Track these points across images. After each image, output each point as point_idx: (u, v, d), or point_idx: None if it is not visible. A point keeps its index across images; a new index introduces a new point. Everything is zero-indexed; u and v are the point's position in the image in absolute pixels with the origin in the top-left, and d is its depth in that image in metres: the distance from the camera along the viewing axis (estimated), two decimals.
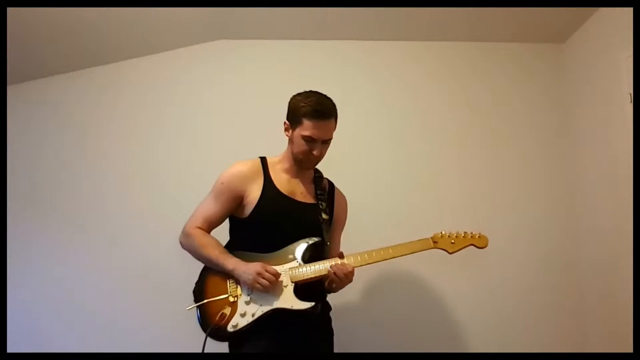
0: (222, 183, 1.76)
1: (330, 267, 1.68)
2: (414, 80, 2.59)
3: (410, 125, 2.55)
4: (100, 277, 2.43)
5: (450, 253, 1.79)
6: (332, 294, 1.87)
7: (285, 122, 1.78)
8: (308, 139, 1.71)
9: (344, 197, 1.95)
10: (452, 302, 2.39)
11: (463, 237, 1.80)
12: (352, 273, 1.69)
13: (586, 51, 2.45)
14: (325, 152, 1.78)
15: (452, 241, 1.79)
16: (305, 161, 1.77)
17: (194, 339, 1.64)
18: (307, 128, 1.70)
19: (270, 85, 2.50)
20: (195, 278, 1.75)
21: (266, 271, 1.62)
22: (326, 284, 1.75)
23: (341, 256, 1.73)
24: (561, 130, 2.56)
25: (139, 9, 2.19)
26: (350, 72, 2.58)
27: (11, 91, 2.53)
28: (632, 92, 2.06)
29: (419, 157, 2.53)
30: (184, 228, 1.77)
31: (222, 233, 1.81)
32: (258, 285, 1.61)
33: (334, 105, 1.75)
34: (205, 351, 1.61)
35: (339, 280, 1.68)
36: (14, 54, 2.31)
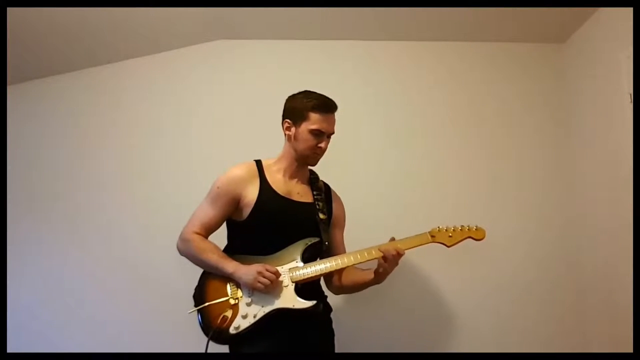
0: (218, 187, 1.76)
1: (381, 254, 1.68)
2: (413, 80, 2.58)
3: (409, 125, 2.55)
4: (101, 277, 2.43)
5: (448, 246, 1.79)
6: (331, 295, 1.88)
7: (286, 121, 1.79)
8: (316, 132, 1.73)
9: (339, 198, 1.96)
10: (452, 301, 2.39)
11: (460, 230, 1.80)
12: (399, 255, 1.69)
13: (586, 51, 2.45)
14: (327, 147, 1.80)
15: (450, 235, 1.78)
16: (311, 156, 1.79)
17: (196, 341, 1.64)
18: (315, 121, 1.73)
19: (270, 85, 2.49)
20: (197, 278, 1.75)
21: (266, 270, 1.62)
22: (369, 277, 1.75)
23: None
24: (561, 130, 2.56)
25: (139, 9, 2.19)
26: (350, 72, 2.57)
27: (11, 91, 2.53)
28: (632, 92, 2.05)
29: (419, 157, 2.52)
30: (181, 234, 1.77)
31: (220, 238, 1.81)
32: (259, 285, 1.61)
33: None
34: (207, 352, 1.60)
35: (389, 263, 1.68)
36: (14, 54, 2.32)
